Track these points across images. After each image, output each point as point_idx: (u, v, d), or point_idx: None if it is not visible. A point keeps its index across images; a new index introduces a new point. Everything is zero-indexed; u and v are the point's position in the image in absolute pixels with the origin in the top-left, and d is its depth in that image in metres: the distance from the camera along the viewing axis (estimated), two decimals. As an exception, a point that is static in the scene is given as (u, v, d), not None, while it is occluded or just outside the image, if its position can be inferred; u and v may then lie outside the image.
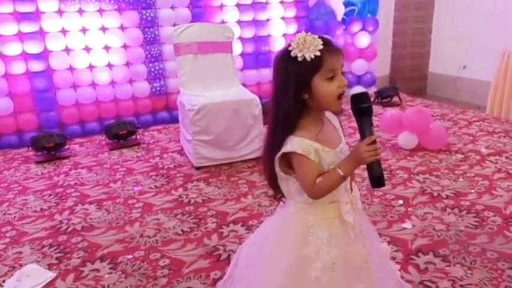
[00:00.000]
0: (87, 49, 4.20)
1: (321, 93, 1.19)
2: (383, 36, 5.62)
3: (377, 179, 1.20)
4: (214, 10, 4.63)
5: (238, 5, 4.69)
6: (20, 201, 2.91)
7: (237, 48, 4.64)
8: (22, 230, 2.53)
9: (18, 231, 2.52)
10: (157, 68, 4.50)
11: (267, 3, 4.84)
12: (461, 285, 1.88)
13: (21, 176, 3.36)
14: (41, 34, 4.00)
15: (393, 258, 2.07)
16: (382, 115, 3.91)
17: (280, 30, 4.92)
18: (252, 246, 1.44)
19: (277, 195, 1.35)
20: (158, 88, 4.54)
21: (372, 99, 5.01)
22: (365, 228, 1.35)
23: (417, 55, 6.18)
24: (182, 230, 2.44)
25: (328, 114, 1.31)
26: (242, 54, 4.79)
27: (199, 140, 3.24)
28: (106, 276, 2.07)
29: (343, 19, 5.33)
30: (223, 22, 4.59)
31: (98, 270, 2.11)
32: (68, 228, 2.52)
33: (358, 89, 5.18)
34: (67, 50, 4.12)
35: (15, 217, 2.69)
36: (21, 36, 3.91)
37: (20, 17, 3.89)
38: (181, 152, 3.70)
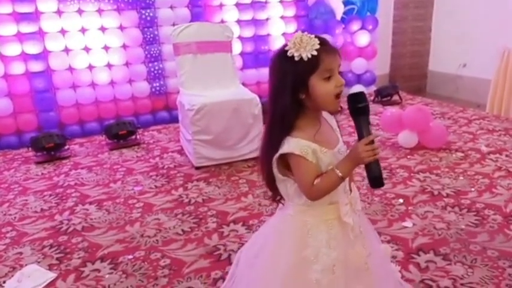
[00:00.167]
0: (87, 49, 4.19)
1: (318, 93, 1.18)
2: (382, 35, 5.62)
3: (376, 179, 1.19)
4: (213, 9, 4.62)
5: (237, 5, 4.69)
6: (20, 202, 2.91)
7: (237, 47, 4.64)
8: (22, 230, 2.53)
9: (18, 231, 2.52)
10: (156, 67, 4.49)
11: (266, 2, 4.84)
12: (462, 284, 1.88)
13: (21, 177, 3.36)
14: (40, 34, 4.00)
15: (394, 257, 2.07)
16: (382, 114, 3.90)
17: (280, 29, 4.92)
18: (251, 248, 1.43)
19: (276, 196, 1.34)
20: (158, 88, 4.53)
21: (372, 98, 5.03)
22: (364, 229, 1.34)
23: (417, 53, 6.18)
24: (182, 230, 2.44)
25: (325, 114, 1.30)
26: (242, 54, 4.79)
27: (199, 139, 3.23)
28: (107, 276, 2.06)
29: (342, 18, 5.33)
30: (222, 21, 4.59)
31: (98, 270, 2.11)
32: (68, 229, 2.52)
33: (357, 89, 5.19)
34: (66, 50, 4.12)
35: (15, 218, 2.69)
36: (20, 37, 3.91)
37: (19, 17, 3.89)
38: (181, 151, 3.70)
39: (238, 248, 2.07)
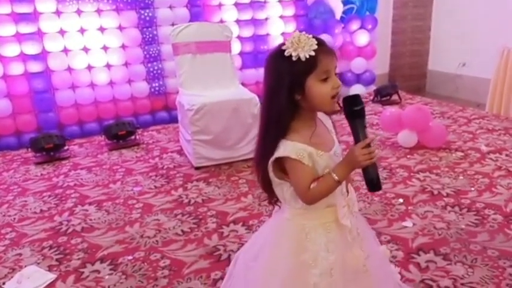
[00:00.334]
0: (86, 49, 4.19)
1: (314, 94, 1.16)
2: (382, 34, 5.61)
3: (373, 183, 1.19)
4: (212, 9, 4.62)
5: (236, 4, 4.68)
6: (20, 203, 2.90)
7: (236, 47, 4.63)
8: (22, 231, 2.53)
9: (18, 232, 2.52)
10: (156, 68, 4.49)
11: (265, 2, 4.83)
12: (462, 284, 1.88)
13: (20, 178, 3.35)
14: (39, 35, 3.99)
15: (394, 257, 2.07)
16: (381, 113, 3.90)
17: (279, 29, 4.91)
18: (249, 251, 1.42)
19: (272, 199, 1.33)
20: (157, 88, 4.53)
21: (372, 98, 5.02)
22: (362, 230, 1.33)
23: (416, 53, 6.17)
24: (182, 231, 2.44)
25: (321, 115, 1.29)
26: (241, 54, 4.78)
27: (198, 139, 3.23)
28: (106, 277, 2.06)
29: (341, 17, 5.32)
30: (221, 21, 4.58)
31: (98, 271, 2.11)
32: (67, 230, 2.52)
33: (354, 90, 5.19)
34: (65, 50, 4.11)
35: (14, 219, 2.68)
36: (19, 37, 3.90)
37: (17, 17, 3.88)
38: (180, 152, 3.69)
39: (238, 249, 2.07)
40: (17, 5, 3.85)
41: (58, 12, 4.02)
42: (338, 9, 5.26)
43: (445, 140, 3.54)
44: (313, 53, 1.14)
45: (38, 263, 2.20)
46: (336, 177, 1.16)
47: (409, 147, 3.50)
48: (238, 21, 4.71)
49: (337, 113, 1.23)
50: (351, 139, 1.21)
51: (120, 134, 3.88)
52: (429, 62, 6.25)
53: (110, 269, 2.11)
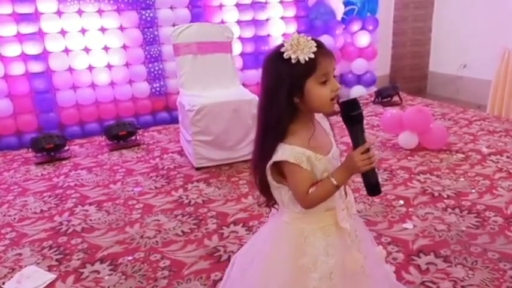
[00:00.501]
0: (87, 50, 4.19)
1: (314, 97, 1.15)
2: (383, 36, 5.61)
3: (373, 187, 1.18)
4: (213, 10, 4.62)
5: (237, 5, 4.68)
6: (20, 203, 2.90)
7: (237, 48, 4.63)
8: (22, 231, 2.53)
9: (18, 232, 2.52)
10: (156, 68, 4.49)
11: (266, 2, 4.83)
12: (462, 286, 1.87)
13: (21, 178, 3.35)
14: (40, 35, 3.99)
15: (394, 259, 2.07)
16: (382, 115, 3.90)
17: (280, 30, 4.91)
18: (247, 254, 1.41)
19: (269, 202, 1.32)
20: (158, 88, 4.53)
21: (372, 99, 5.02)
22: (359, 231, 1.32)
23: (417, 54, 6.17)
24: (182, 231, 2.43)
25: (318, 116, 1.27)
26: (242, 54, 4.78)
27: (199, 140, 3.23)
28: (106, 277, 2.06)
29: (342, 18, 5.32)
30: (222, 22, 4.59)
31: (98, 271, 2.11)
32: (67, 230, 2.52)
33: (354, 92, 5.19)
34: (66, 50, 4.11)
35: (15, 218, 2.68)
36: (20, 37, 3.91)
37: (19, 18, 3.88)
38: (181, 152, 3.69)
39: (238, 249, 2.07)
40: (18, 5, 3.86)
41: (59, 13, 4.03)
42: (339, 10, 5.26)
43: (446, 141, 3.54)
44: (312, 56, 1.12)
45: (38, 263, 2.19)
46: (335, 182, 1.15)
47: (410, 148, 3.50)
48: (239, 22, 4.71)
49: (335, 114, 1.22)
50: (349, 140, 1.20)
51: (120, 134, 3.88)
52: (430, 63, 6.25)
53: (110, 270, 2.11)
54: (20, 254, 2.29)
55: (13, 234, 2.49)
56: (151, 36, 4.39)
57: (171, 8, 4.45)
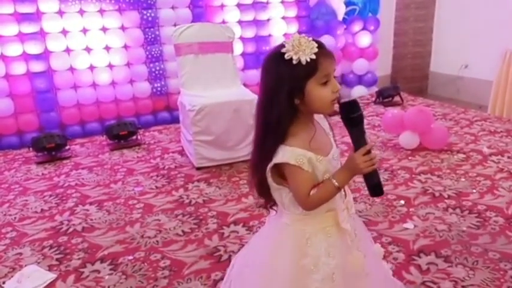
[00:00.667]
0: (88, 49, 4.19)
1: (315, 98, 1.14)
2: (384, 36, 5.61)
3: (375, 188, 1.18)
4: (214, 10, 4.62)
5: (238, 5, 4.68)
6: (21, 202, 2.90)
7: (238, 48, 4.63)
8: (22, 231, 2.53)
9: (18, 232, 2.52)
10: (158, 68, 4.49)
11: (267, 3, 4.83)
12: (463, 286, 1.87)
13: (21, 177, 3.36)
14: (41, 35, 4.00)
15: (395, 259, 2.07)
16: (383, 115, 3.90)
17: (281, 30, 4.90)
18: (247, 255, 1.41)
19: (268, 204, 1.31)
20: (159, 88, 4.53)
21: (373, 99, 5.02)
22: (359, 231, 1.32)
23: (418, 54, 6.17)
24: (183, 231, 2.43)
25: (317, 116, 1.26)
26: (243, 54, 4.78)
27: (199, 140, 3.23)
28: (106, 277, 2.06)
29: (344, 18, 5.32)
30: (224, 22, 4.59)
31: (98, 271, 2.11)
32: (68, 229, 2.52)
33: (355, 92, 5.19)
34: (68, 50, 4.12)
35: (15, 218, 2.69)
36: (21, 37, 3.91)
37: (20, 17, 3.89)
38: (182, 152, 3.69)
39: (239, 249, 2.07)
40: (20, 4, 3.86)
41: (60, 12, 4.03)
42: (340, 10, 5.26)
43: (447, 141, 3.54)
44: (313, 57, 1.11)
45: (38, 263, 2.20)
46: (337, 184, 1.15)
47: (411, 148, 3.49)
48: (240, 22, 4.71)
49: (335, 115, 1.21)
50: (350, 140, 1.20)
51: (121, 134, 3.89)
52: (431, 63, 6.25)
53: (110, 269, 2.11)
54: (21, 254, 2.29)
55: (13, 234, 2.50)
56: (153, 36, 4.39)
57: (173, 8, 4.45)
